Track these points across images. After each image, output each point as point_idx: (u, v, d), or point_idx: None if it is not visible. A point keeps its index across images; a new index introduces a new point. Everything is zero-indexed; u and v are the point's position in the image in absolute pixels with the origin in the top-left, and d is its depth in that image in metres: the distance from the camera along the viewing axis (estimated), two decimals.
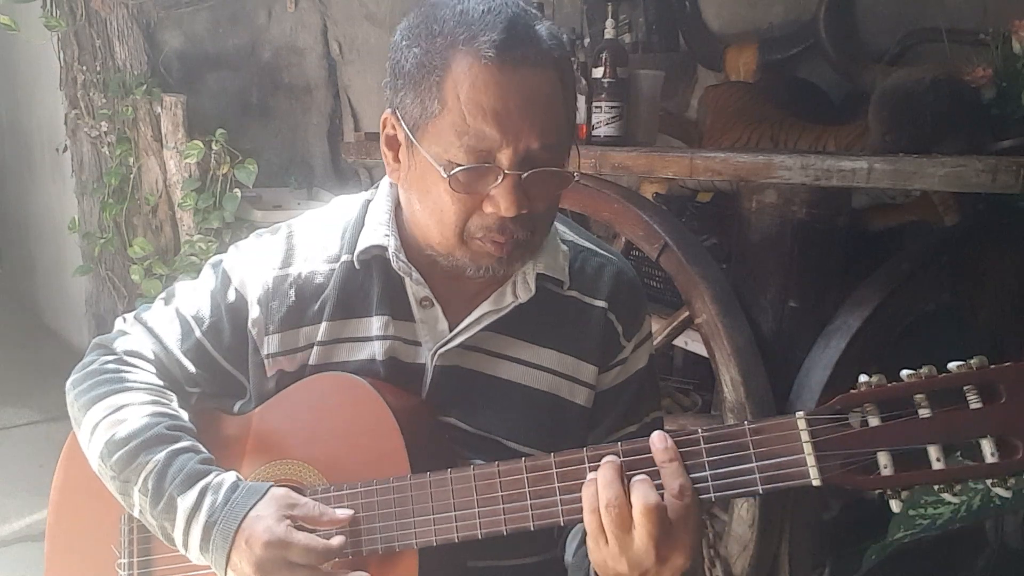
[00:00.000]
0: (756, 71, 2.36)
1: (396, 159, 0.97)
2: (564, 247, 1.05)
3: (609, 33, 2.00)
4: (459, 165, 0.88)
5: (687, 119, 2.54)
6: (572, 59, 0.96)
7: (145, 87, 3.18)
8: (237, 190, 3.13)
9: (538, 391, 1.02)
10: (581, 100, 1.92)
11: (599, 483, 0.83)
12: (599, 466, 0.84)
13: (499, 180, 0.88)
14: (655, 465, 0.83)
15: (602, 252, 1.08)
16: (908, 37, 2.09)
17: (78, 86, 3.29)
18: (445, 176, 0.89)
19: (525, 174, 0.88)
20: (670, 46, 2.61)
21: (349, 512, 0.92)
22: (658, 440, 0.84)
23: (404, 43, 0.92)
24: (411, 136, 0.92)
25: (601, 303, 1.04)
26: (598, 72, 1.92)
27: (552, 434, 1.02)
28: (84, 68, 3.26)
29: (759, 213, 1.64)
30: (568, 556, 1.04)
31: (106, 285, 3.51)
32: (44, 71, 3.67)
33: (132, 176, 3.26)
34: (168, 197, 3.29)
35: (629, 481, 0.83)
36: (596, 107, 1.93)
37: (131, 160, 3.24)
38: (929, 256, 1.60)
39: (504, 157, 0.88)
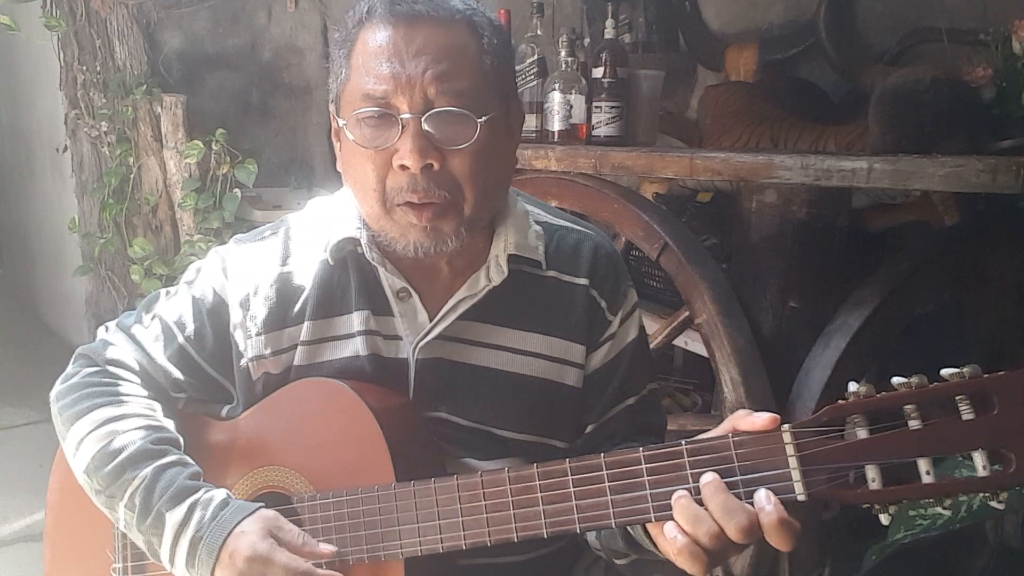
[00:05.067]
0: (756, 71, 2.36)
1: (341, 150, 0.99)
2: (537, 227, 1.04)
3: (609, 33, 2.00)
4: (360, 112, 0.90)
5: (687, 119, 2.55)
6: (500, 30, 0.97)
7: (145, 87, 3.18)
8: (237, 190, 3.13)
9: (527, 376, 1.01)
10: (581, 100, 1.92)
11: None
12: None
13: (401, 130, 0.89)
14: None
15: (578, 228, 1.07)
16: (908, 37, 2.09)
17: (78, 86, 3.29)
18: (345, 127, 0.91)
19: (424, 117, 0.89)
20: (670, 46, 2.61)
21: (331, 548, 0.92)
22: None
23: None
24: (335, 114, 0.95)
25: (583, 280, 1.03)
26: (598, 72, 1.92)
27: (545, 419, 1.02)
28: (84, 68, 3.26)
29: (759, 213, 1.64)
30: (592, 537, 1.02)
31: (106, 285, 3.51)
32: (44, 71, 3.66)
33: (132, 176, 3.26)
34: (168, 197, 3.29)
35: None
36: (596, 107, 1.93)
37: (131, 160, 3.24)
38: (929, 256, 1.60)
39: (402, 104, 0.89)
